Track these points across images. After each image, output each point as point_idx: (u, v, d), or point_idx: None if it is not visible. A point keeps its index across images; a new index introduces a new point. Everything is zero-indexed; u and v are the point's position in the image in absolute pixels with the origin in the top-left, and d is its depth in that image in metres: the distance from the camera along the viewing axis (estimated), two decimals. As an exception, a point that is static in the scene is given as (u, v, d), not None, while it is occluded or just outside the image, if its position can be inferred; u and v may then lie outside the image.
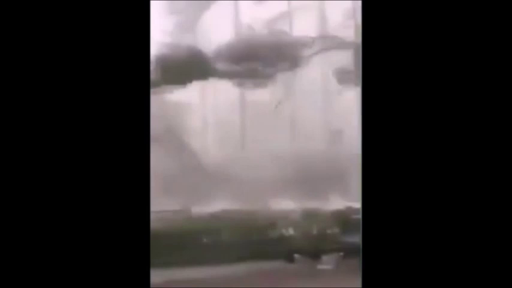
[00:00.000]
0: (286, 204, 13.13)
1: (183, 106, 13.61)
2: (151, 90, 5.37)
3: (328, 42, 12.99)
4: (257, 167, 13.86)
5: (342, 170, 13.34)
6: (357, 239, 11.81)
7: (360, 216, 13.39)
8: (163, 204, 11.36)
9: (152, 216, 5.44)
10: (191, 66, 13.12)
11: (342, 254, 12.29)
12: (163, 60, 12.67)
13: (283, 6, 13.60)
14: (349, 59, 12.77)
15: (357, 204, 13.71)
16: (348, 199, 12.97)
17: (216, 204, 13.32)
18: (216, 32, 13.32)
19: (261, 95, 13.49)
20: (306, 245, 12.73)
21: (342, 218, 13.20)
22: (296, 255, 12.51)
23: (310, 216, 13.35)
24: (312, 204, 13.31)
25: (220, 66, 13.12)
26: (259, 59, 13.00)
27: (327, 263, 12.22)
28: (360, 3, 4.99)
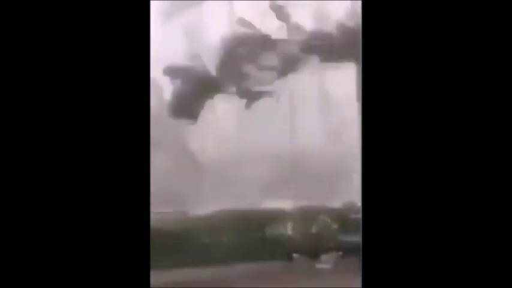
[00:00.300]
0: (285, 203, 13.12)
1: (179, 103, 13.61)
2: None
3: (328, 41, 12.98)
4: (255, 167, 13.86)
5: (341, 169, 13.33)
6: (355, 238, 11.80)
7: (358, 215, 13.43)
8: (162, 205, 11.36)
9: (151, 217, 5.44)
10: (188, 68, 13.12)
11: (340, 253, 12.29)
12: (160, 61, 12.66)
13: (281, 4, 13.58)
14: (348, 58, 12.78)
15: (356, 203, 13.71)
16: (347, 198, 12.98)
17: (214, 205, 13.31)
18: (211, 32, 13.31)
19: (259, 95, 13.48)
20: (304, 244, 12.73)
21: (340, 218, 13.20)
22: (295, 255, 12.51)
23: (308, 215, 13.35)
24: (311, 203, 13.30)
25: (217, 65, 13.11)
26: (256, 58, 13.00)
27: (325, 262, 12.22)
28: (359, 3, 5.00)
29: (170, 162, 13.21)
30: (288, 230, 13.19)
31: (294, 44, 13.03)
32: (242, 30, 13.41)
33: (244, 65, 13.09)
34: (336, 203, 13.35)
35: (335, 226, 13.05)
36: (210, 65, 13.15)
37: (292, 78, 13.48)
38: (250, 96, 13.56)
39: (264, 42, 13.12)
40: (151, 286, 5.04)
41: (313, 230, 13.13)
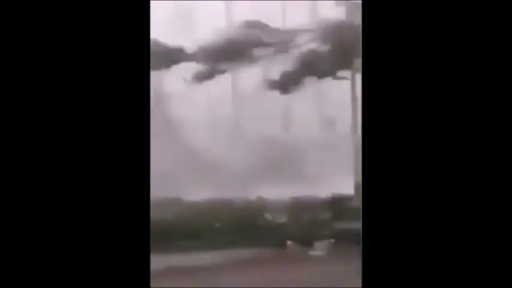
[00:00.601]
0: (278, 191, 13.17)
1: (177, 97, 13.64)
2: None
3: (320, 35, 13.01)
4: (250, 155, 13.89)
5: (334, 156, 13.39)
6: (348, 225, 11.88)
7: (351, 203, 13.51)
8: (157, 192, 11.36)
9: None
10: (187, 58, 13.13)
11: (333, 240, 12.36)
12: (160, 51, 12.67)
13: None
14: (344, 52, 12.81)
15: (349, 191, 13.79)
16: (340, 186, 13.04)
17: (208, 192, 13.34)
18: (208, 25, 13.31)
19: (254, 84, 13.50)
20: (298, 231, 12.79)
21: (333, 205, 13.26)
22: (288, 242, 12.57)
23: (302, 203, 13.40)
24: (304, 191, 13.35)
25: (214, 57, 13.11)
26: (252, 50, 13.01)
27: (318, 249, 12.28)
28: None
29: (167, 151, 13.25)
30: (282, 217, 13.24)
31: (288, 35, 13.06)
32: (237, 21, 13.43)
33: (239, 55, 13.12)
34: (329, 191, 13.40)
35: (328, 214, 13.11)
36: (205, 56, 13.17)
37: (284, 65, 13.51)
38: (245, 85, 13.59)
39: (259, 33, 13.15)
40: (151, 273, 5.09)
41: (307, 217, 13.19)
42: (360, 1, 5.03)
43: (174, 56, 13.12)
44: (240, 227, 12.85)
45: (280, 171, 13.82)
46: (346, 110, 13.16)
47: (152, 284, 5.25)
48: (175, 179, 13.37)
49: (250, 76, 13.76)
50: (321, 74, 13.40)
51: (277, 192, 13.51)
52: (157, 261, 9.06)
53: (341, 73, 13.22)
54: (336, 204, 13.23)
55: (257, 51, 13.27)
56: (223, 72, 13.44)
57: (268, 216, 13.13)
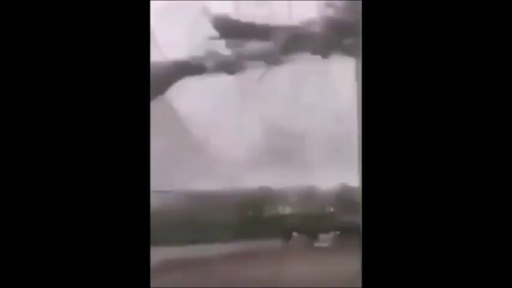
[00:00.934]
0: (284, 182, 13.19)
1: (180, 86, 13.65)
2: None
3: (329, 24, 12.99)
4: (254, 146, 13.92)
5: (339, 148, 13.41)
6: (354, 217, 11.87)
7: (357, 195, 13.52)
8: (159, 184, 11.37)
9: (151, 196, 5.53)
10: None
11: (338, 232, 12.38)
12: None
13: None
14: (349, 39, 12.77)
15: (354, 184, 13.79)
16: (345, 178, 13.05)
17: (212, 183, 13.36)
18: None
19: (257, 74, 13.50)
20: (303, 223, 12.80)
21: (338, 197, 13.29)
22: (294, 234, 12.57)
23: (308, 194, 13.42)
24: (309, 183, 13.37)
25: (217, 44, 13.12)
26: (256, 38, 13.01)
27: (323, 241, 12.30)
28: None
29: (169, 143, 13.29)
30: (287, 209, 13.26)
31: (293, 23, 13.05)
32: (242, 7, 13.43)
33: (244, 43, 13.12)
34: (334, 182, 13.43)
35: (334, 205, 13.13)
36: (207, 44, 13.16)
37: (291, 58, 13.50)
38: (248, 74, 13.58)
39: (263, 20, 13.14)
40: (151, 265, 5.14)
41: (312, 209, 13.21)
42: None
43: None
44: (245, 218, 12.87)
45: (285, 162, 13.85)
46: (352, 101, 13.16)
47: (155, 277, 5.32)
48: (177, 169, 13.42)
49: (255, 66, 13.78)
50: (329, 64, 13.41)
51: (282, 183, 13.53)
52: (161, 254, 9.11)
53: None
54: (342, 195, 13.24)
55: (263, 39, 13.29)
56: (228, 60, 13.46)
57: (273, 207, 13.15)
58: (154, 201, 5.88)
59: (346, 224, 12.48)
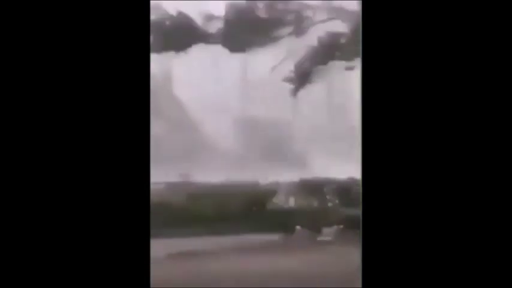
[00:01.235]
0: (288, 177, 13.19)
1: (182, 75, 13.62)
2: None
3: (333, 12, 12.96)
4: (258, 139, 13.90)
5: (343, 142, 13.38)
6: (357, 211, 11.86)
7: (359, 189, 13.43)
8: (163, 175, 11.40)
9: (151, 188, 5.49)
10: (188, 33, 13.07)
11: (341, 226, 12.37)
12: (161, 27, 12.68)
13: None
14: (351, 29, 12.76)
15: (357, 177, 13.76)
16: (348, 172, 13.02)
17: (216, 176, 13.36)
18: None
19: (263, 63, 13.46)
20: (306, 217, 12.80)
21: (342, 191, 13.26)
22: (297, 227, 12.58)
23: (311, 189, 13.41)
24: (313, 176, 13.36)
25: (220, 31, 13.07)
26: (260, 26, 12.97)
27: (326, 235, 12.30)
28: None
29: (171, 133, 13.27)
30: (290, 203, 13.26)
31: (299, 11, 12.99)
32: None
33: (247, 30, 13.06)
34: (338, 177, 13.41)
35: (336, 199, 13.12)
36: (212, 29, 13.10)
37: (296, 44, 13.45)
38: (254, 64, 13.54)
39: (269, 7, 13.08)
40: (151, 256, 5.11)
41: (315, 203, 13.20)
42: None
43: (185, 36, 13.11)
44: (249, 212, 12.88)
45: (289, 156, 13.83)
46: (355, 96, 13.11)
47: (157, 269, 5.29)
48: (182, 163, 13.40)
49: (260, 60, 13.74)
50: (332, 63, 13.38)
51: (286, 177, 13.53)
52: (163, 247, 9.12)
53: (352, 62, 13.20)
54: (345, 190, 13.23)
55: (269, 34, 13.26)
56: (232, 54, 13.43)
57: (277, 201, 13.15)
58: (160, 194, 5.88)
59: (349, 218, 12.28)
